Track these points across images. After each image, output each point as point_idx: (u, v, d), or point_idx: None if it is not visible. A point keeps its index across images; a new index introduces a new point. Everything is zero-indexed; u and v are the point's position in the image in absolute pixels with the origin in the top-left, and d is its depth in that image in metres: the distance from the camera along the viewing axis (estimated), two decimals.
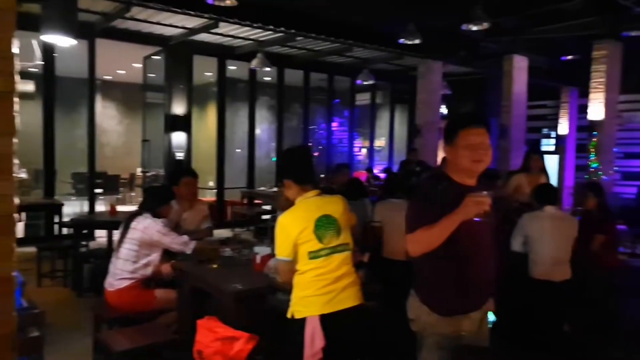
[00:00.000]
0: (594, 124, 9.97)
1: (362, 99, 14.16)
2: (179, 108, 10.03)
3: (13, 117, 2.15)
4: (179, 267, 3.93)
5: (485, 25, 7.28)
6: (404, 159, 10.61)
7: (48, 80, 8.65)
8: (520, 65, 10.40)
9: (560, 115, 14.00)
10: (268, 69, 9.82)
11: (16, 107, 2.17)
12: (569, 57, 10.73)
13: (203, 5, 6.79)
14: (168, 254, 4.12)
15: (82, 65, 9.05)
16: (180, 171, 5.22)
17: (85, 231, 7.06)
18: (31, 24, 6.21)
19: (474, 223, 2.21)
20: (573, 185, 12.96)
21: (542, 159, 6.20)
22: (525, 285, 4.35)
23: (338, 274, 2.73)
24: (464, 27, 7.37)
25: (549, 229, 4.33)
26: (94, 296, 5.38)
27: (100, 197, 11.61)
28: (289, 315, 2.73)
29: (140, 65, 10.89)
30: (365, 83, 11.64)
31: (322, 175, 9.89)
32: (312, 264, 2.70)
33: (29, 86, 11.32)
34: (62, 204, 7.93)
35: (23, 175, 10.93)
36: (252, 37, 9.72)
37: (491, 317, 2.56)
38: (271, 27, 8.41)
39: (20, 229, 8.03)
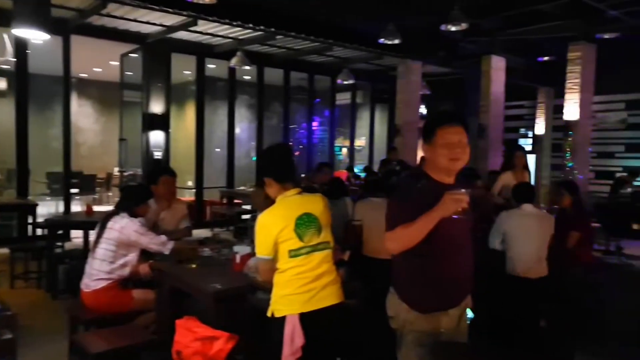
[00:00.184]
0: (569, 124, 10.13)
1: (343, 98, 14.17)
2: (157, 107, 9.93)
3: None
4: (157, 267, 3.88)
5: (464, 25, 7.35)
6: (384, 158, 10.65)
7: (21, 77, 8.46)
8: (498, 66, 10.52)
9: (537, 115, 14.19)
10: (248, 67, 9.80)
11: None
12: (545, 58, 10.87)
13: (181, 2, 6.75)
14: (146, 254, 4.07)
15: (56, 62, 8.90)
16: (159, 170, 5.15)
17: (60, 232, 6.92)
18: (2, 18, 6.08)
19: (452, 220, 2.23)
20: (549, 184, 13.14)
21: (526, 156, 6.37)
22: (502, 283, 4.39)
23: (318, 272, 2.73)
24: (443, 27, 7.42)
25: (526, 227, 4.39)
26: (70, 298, 5.29)
27: (76, 197, 11.45)
28: (269, 314, 2.72)
29: (117, 63, 10.74)
30: (345, 82, 11.69)
31: (303, 175, 9.87)
32: (292, 263, 2.69)
33: (1, 83, 11.11)
34: (36, 204, 7.78)
35: None
36: (231, 35, 9.66)
37: (469, 314, 2.58)
38: (250, 25, 8.38)
39: None
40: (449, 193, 2.20)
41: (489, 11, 9.13)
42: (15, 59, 8.23)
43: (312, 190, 3.17)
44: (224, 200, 10.97)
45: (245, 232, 8.33)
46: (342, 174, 11.16)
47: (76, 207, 9.90)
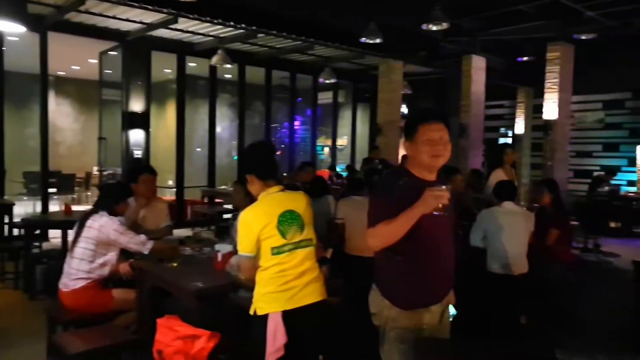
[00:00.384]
0: (548, 123, 10.27)
1: (324, 97, 14.18)
2: (137, 105, 9.82)
3: None
4: (138, 266, 3.84)
5: (445, 25, 7.41)
6: (366, 157, 10.69)
7: None
8: (478, 66, 10.62)
9: (516, 114, 14.35)
10: (229, 65, 9.73)
11: None
12: (525, 58, 11.01)
13: None
14: (125, 253, 4.02)
15: (33, 60, 8.72)
16: (139, 168, 5.11)
17: (37, 232, 6.81)
18: None
19: (433, 217, 2.23)
20: (528, 183, 13.30)
21: (515, 154, 6.54)
22: (483, 279, 4.42)
23: (301, 269, 2.72)
24: (424, 26, 7.47)
25: (507, 224, 4.43)
26: (48, 298, 5.20)
27: (54, 197, 11.28)
28: (251, 312, 2.70)
29: (96, 61, 10.62)
30: (327, 82, 11.71)
31: (285, 174, 9.86)
32: (274, 260, 2.68)
33: None
34: (13, 204, 7.64)
35: None
36: (212, 33, 9.59)
37: (452, 310, 2.59)
38: (232, 23, 8.34)
39: None
40: (430, 189, 2.21)
41: (469, 11, 9.23)
42: None
43: (294, 189, 3.16)
44: (205, 200, 10.91)
45: (227, 232, 8.32)
46: (324, 173, 11.16)
47: (54, 206, 9.75)
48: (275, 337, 2.59)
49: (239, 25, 8.49)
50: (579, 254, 8.20)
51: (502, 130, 15.01)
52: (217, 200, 10.94)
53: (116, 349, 3.29)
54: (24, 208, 10.05)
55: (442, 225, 2.40)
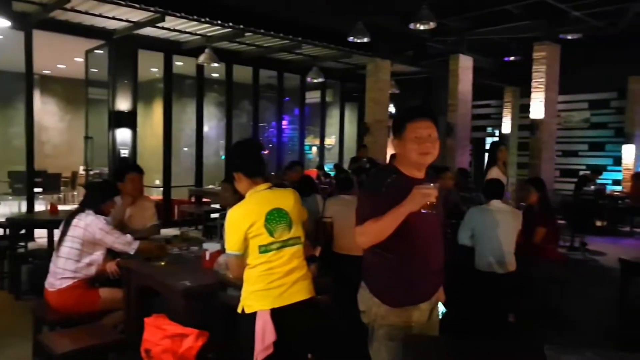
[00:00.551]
0: (535, 123, 10.34)
1: (312, 97, 14.17)
2: (123, 104, 9.75)
3: None
4: (125, 265, 3.81)
5: (432, 24, 7.44)
6: (354, 156, 10.71)
7: None
8: (465, 65, 10.67)
9: (503, 114, 14.44)
10: (216, 64, 9.71)
11: None
12: (512, 58, 11.08)
13: None
14: (113, 252, 3.99)
15: (18, 58, 8.62)
16: (125, 167, 5.07)
17: (23, 231, 6.75)
18: None
19: (421, 215, 2.23)
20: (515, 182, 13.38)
21: (508, 150, 6.61)
22: (471, 277, 4.44)
23: (289, 267, 2.71)
24: (412, 26, 7.50)
25: (495, 222, 4.45)
26: (34, 298, 5.14)
27: (40, 197, 11.17)
28: (239, 310, 2.69)
29: (82, 60, 10.53)
30: (315, 81, 11.72)
31: (273, 173, 9.84)
32: (262, 258, 2.66)
33: None
34: None
35: None
36: (199, 32, 9.55)
37: (442, 308, 2.60)
38: (219, 22, 8.31)
39: None
40: (418, 187, 2.20)
41: (456, 11, 9.27)
42: None
43: (282, 187, 3.15)
44: (193, 199, 10.85)
45: (214, 231, 8.30)
46: (312, 172, 11.16)
47: (40, 206, 9.66)
48: (264, 334, 2.58)
49: (226, 24, 8.45)
50: (566, 252, 8.28)
51: (489, 129, 15.11)
52: (204, 199, 10.90)
53: (103, 348, 3.26)
54: (9, 208, 9.96)
55: (430, 223, 2.40)
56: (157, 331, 2.84)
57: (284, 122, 13.83)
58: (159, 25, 8.67)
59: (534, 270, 4.96)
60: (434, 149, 2.36)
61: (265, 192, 2.76)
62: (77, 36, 9.15)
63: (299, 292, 2.72)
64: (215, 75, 12.27)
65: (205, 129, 11.78)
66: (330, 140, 15.15)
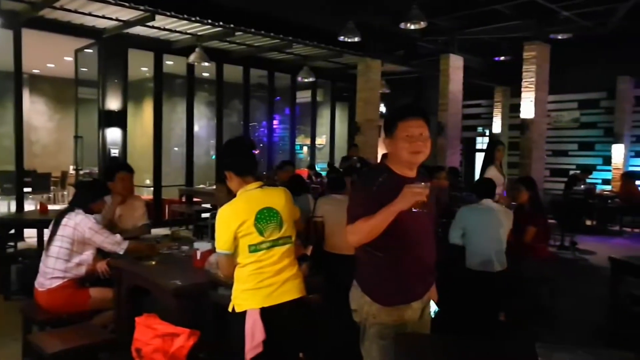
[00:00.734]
0: (525, 122, 10.40)
1: (303, 96, 14.16)
2: (113, 104, 9.70)
3: None
4: (116, 264, 3.79)
5: (423, 24, 7.46)
6: (345, 155, 10.72)
7: None
8: (456, 65, 10.70)
9: (494, 114, 14.50)
10: (206, 64, 9.68)
11: None
12: (502, 58, 11.13)
13: None
14: (102, 252, 3.96)
15: (7, 57, 8.56)
16: (115, 166, 5.03)
17: (12, 231, 6.70)
18: None
19: (412, 214, 2.23)
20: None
21: (505, 149, 6.64)
22: (462, 276, 4.45)
23: (279, 267, 2.70)
24: (402, 25, 7.52)
25: (486, 221, 4.46)
26: (24, 298, 5.10)
27: (30, 197, 11.08)
28: (229, 309, 2.69)
29: (71, 59, 10.46)
30: (305, 80, 11.71)
31: (264, 173, 9.83)
32: (252, 257, 2.66)
33: None
34: None
35: None
36: (189, 31, 9.52)
37: (434, 307, 2.60)
38: (209, 21, 8.28)
39: None
40: (409, 186, 2.20)
41: (446, 10, 9.30)
42: None
43: (274, 185, 3.15)
44: (183, 199, 10.82)
45: (205, 231, 8.26)
46: (303, 172, 11.16)
47: (30, 206, 9.59)
48: (254, 333, 2.57)
49: (216, 23, 8.43)
50: (556, 251, 8.33)
51: (480, 129, 15.16)
52: (195, 199, 10.86)
53: (94, 348, 3.24)
54: None
55: (422, 221, 2.40)
56: (148, 330, 2.82)
57: (275, 122, 13.82)
58: (149, 24, 8.63)
59: (525, 269, 4.98)
60: (426, 148, 2.36)
61: (255, 191, 2.75)
62: (66, 35, 9.09)
63: (289, 291, 2.71)
64: (205, 74, 12.22)
65: (196, 128, 11.75)
66: (321, 140, 15.14)
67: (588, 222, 10.56)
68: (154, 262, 3.73)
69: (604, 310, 5.34)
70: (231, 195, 2.83)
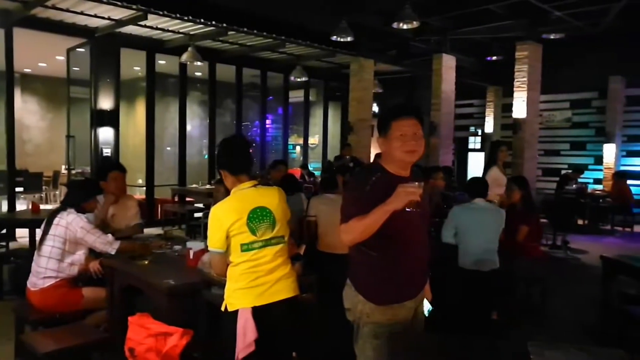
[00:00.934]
0: (517, 122, 10.44)
1: (296, 96, 14.16)
2: (106, 103, 9.66)
3: None
4: (109, 264, 3.78)
5: (415, 24, 7.48)
6: (338, 154, 10.72)
7: None
8: (448, 64, 10.73)
9: (486, 113, 14.55)
10: (199, 63, 9.66)
11: None
12: (494, 57, 11.18)
13: None
14: (94, 251, 3.95)
15: None
16: (108, 165, 5.02)
17: (4, 231, 6.67)
18: None
19: (406, 213, 2.22)
20: None
21: (508, 150, 6.66)
22: (454, 275, 4.47)
23: (272, 266, 2.70)
24: (395, 25, 7.53)
25: (478, 221, 4.48)
26: (17, 298, 5.06)
27: (22, 196, 11.02)
28: (222, 308, 2.69)
29: (63, 58, 10.40)
30: (298, 80, 11.70)
31: (257, 172, 9.82)
32: (244, 256, 2.66)
33: None
34: None
35: None
36: (182, 30, 9.49)
37: (428, 306, 2.61)
38: (202, 20, 8.26)
39: None
40: (402, 185, 2.20)
41: (439, 10, 9.33)
42: None
43: (267, 185, 3.15)
44: (176, 198, 10.79)
45: (198, 230, 8.25)
46: (296, 171, 11.14)
47: (22, 206, 9.54)
48: (245, 332, 2.57)
49: (209, 23, 8.41)
50: (548, 250, 8.37)
51: (472, 129, 15.21)
52: (187, 199, 10.84)
53: (87, 348, 3.23)
54: None
55: (415, 221, 2.41)
56: (141, 330, 2.82)
57: (268, 121, 13.81)
58: (142, 23, 8.58)
59: (517, 268, 5.01)
60: (419, 147, 2.37)
61: (249, 190, 2.75)
62: (58, 34, 9.04)
63: (282, 290, 2.72)
64: (198, 74, 12.20)
65: (188, 128, 11.72)
66: (314, 140, 15.14)
67: (580, 222, 10.62)
68: (147, 262, 3.72)
69: (596, 308, 5.39)
70: (228, 194, 2.83)
